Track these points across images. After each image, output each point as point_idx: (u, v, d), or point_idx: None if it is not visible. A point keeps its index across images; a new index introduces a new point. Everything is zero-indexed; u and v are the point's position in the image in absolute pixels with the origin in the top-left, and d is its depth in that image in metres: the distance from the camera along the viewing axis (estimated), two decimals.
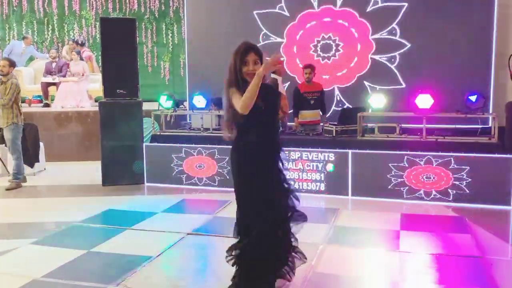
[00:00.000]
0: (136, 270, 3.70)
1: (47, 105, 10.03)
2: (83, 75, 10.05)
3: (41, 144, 7.78)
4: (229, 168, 6.39)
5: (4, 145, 7.16)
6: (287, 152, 5.86)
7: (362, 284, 3.54)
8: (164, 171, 6.72)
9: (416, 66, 7.29)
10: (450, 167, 5.60)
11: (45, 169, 7.85)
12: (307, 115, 6.93)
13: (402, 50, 7.37)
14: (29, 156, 7.49)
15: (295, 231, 3.36)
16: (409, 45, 7.33)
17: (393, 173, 5.79)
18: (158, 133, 7.23)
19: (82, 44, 11.24)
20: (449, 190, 5.63)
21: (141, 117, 6.97)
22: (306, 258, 3.45)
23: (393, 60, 7.45)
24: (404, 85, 7.39)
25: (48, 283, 3.52)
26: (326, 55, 7.76)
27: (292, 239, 3.37)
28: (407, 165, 5.75)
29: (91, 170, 7.44)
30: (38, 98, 10.66)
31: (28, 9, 11.94)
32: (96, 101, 9.77)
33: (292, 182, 3.35)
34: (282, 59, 3.19)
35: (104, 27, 6.85)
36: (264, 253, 3.10)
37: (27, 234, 4.66)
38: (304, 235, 3.68)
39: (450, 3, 7.10)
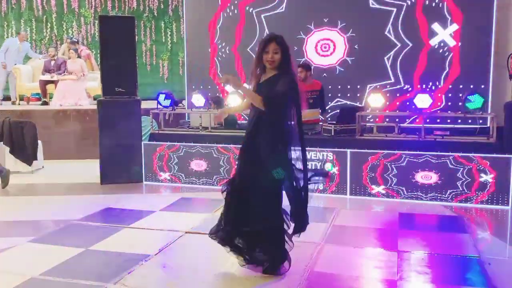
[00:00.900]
0: (134, 268, 3.69)
1: (45, 103, 10.02)
2: (83, 75, 10.04)
3: (39, 142, 7.76)
4: (228, 167, 6.40)
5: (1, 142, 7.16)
6: None
7: (360, 284, 3.54)
8: (162, 169, 6.71)
9: (415, 66, 7.29)
10: (449, 166, 5.61)
11: (43, 167, 7.84)
12: (305, 114, 6.90)
13: (400, 49, 7.37)
14: (27, 154, 7.48)
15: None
16: (410, 45, 7.33)
17: (391, 172, 5.80)
18: (157, 132, 7.22)
19: (74, 43, 11.16)
20: (448, 190, 5.64)
21: (140, 116, 6.96)
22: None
23: (391, 59, 7.44)
24: (402, 85, 7.39)
25: (46, 281, 3.51)
26: (325, 53, 7.76)
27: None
28: (405, 165, 5.75)
29: (89, 169, 7.43)
30: (37, 96, 10.64)
31: (27, 7, 11.93)
32: (94, 99, 9.78)
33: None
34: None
35: (103, 25, 6.83)
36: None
37: (25, 232, 4.64)
38: (303, 234, 3.69)
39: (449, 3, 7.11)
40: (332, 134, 6.44)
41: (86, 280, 3.49)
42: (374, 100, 6.47)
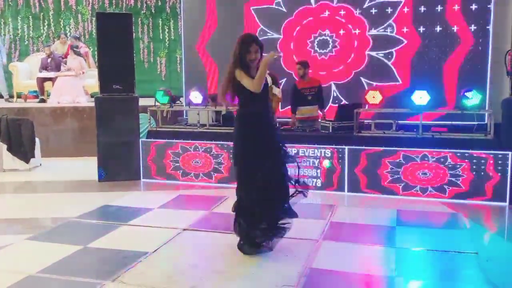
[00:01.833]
0: (132, 265, 3.69)
1: (43, 101, 9.99)
2: (82, 73, 10.00)
3: (37, 139, 7.75)
4: (225, 164, 6.40)
5: None
6: None
7: (358, 280, 3.54)
8: (160, 167, 6.71)
9: (412, 63, 7.30)
10: (446, 163, 5.61)
11: (40, 164, 7.82)
12: (304, 111, 6.93)
13: (398, 47, 7.37)
14: (25, 152, 7.47)
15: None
16: (405, 42, 7.33)
17: (389, 169, 5.80)
18: (155, 129, 7.21)
19: (77, 38, 11.11)
20: (445, 187, 5.65)
21: (137, 113, 6.95)
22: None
23: (390, 56, 7.45)
24: (400, 82, 7.39)
25: (43, 279, 3.51)
26: (323, 51, 7.75)
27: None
28: (403, 162, 5.76)
29: (87, 166, 7.42)
30: (34, 94, 10.61)
31: (24, 4, 11.87)
32: (92, 96, 9.74)
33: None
34: (280, 54, 3.90)
35: (100, 22, 6.80)
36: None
37: (22, 229, 4.64)
38: (301, 231, 3.70)
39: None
40: (330, 131, 6.44)
41: (84, 278, 3.49)
42: (372, 97, 6.49)
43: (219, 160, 6.45)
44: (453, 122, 6.43)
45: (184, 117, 7.91)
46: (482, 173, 5.52)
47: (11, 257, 3.96)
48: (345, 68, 7.71)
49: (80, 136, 8.68)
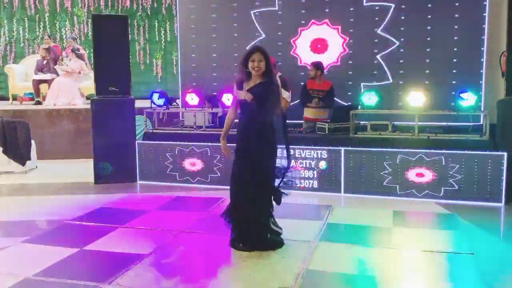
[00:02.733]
0: (128, 268, 3.68)
1: (38, 103, 9.96)
2: (79, 72, 9.99)
3: (33, 141, 7.72)
4: (221, 165, 6.40)
5: None
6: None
7: (354, 281, 3.54)
8: (156, 169, 6.70)
9: (408, 64, 7.32)
10: (442, 164, 5.63)
11: (36, 167, 7.80)
12: (310, 111, 6.97)
13: (394, 48, 7.39)
14: (21, 154, 7.45)
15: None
16: (401, 43, 7.34)
17: (385, 171, 5.82)
18: (151, 131, 7.21)
19: (74, 39, 11.08)
20: (441, 187, 5.66)
21: (134, 115, 6.94)
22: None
23: (386, 57, 7.46)
24: (396, 83, 7.41)
25: (39, 282, 3.49)
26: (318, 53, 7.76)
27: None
28: (399, 163, 5.77)
29: (83, 168, 7.40)
30: (30, 96, 10.58)
31: (19, 6, 11.85)
32: (88, 98, 9.73)
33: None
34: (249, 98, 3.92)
35: (96, 24, 6.80)
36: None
37: (18, 232, 4.62)
38: (297, 232, 3.70)
39: (441, 1, 7.14)
40: (326, 132, 6.45)
41: (80, 280, 3.47)
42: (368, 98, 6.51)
43: (216, 162, 6.45)
44: (449, 123, 6.45)
45: (181, 119, 7.90)
46: (478, 174, 5.53)
47: (7, 260, 3.95)
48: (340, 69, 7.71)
49: (76, 138, 8.67)
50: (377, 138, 6.26)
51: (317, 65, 7.00)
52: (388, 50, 7.40)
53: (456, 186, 5.61)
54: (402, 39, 7.34)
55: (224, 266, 3.78)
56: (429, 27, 7.19)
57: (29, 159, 7.58)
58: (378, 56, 7.46)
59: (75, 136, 8.69)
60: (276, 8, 7.84)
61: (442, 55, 7.15)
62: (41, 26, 11.89)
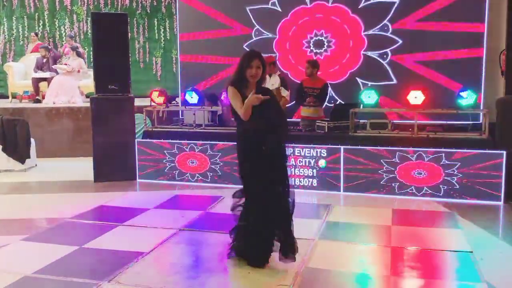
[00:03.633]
0: (128, 266, 3.69)
1: (38, 101, 9.96)
2: (79, 71, 9.98)
3: (32, 140, 7.73)
4: (221, 164, 6.41)
5: None
6: None
7: (354, 279, 3.56)
8: (156, 167, 6.71)
9: (407, 63, 7.32)
10: (441, 163, 5.64)
11: (36, 165, 7.80)
12: (305, 110, 6.97)
13: (393, 47, 7.39)
14: (20, 152, 7.45)
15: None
16: (400, 42, 7.35)
17: (384, 169, 5.82)
18: (150, 129, 7.21)
19: (72, 37, 11.07)
20: (440, 186, 5.67)
21: (133, 113, 6.94)
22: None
23: (384, 56, 7.47)
24: (395, 81, 7.41)
25: (39, 280, 3.50)
26: (318, 51, 7.76)
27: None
28: (398, 161, 5.78)
29: (82, 166, 7.40)
30: (29, 94, 10.56)
31: (18, 4, 11.83)
32: (87, 97, 9.72)
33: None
34: (266, 97, 3.57)
35: (96, 23, 6.79)
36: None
37: (18, 230, 4.62)
38: (297, 230, 3.70)
39: None
40: (326, 131, 6.46)
41: (80, 278, 3.48)
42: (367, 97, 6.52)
43: (215, 160, 6.45)
44: (448, 122, 6.45)
45: (180, 117, 7.90)
46: (477, 172, 5.54)
47: (7, 258, 3.95)
48: (340, 68, 7.71)
49: (76, 137, 8.67)
50: (377, 137, 6.26)
51: (314, 63, 6.98)
52: (389, 49, 7.40)
53: (455, 184, 5.62)
54: (402, 38, 7.34)
55: (224, 264, 3.79)
56: (428, 26, 7.19)
57: (29, 157, 7.59)
58: (378, 55, 7.46)
59: (75, 134, 8.69)
60: (276, 7, 7.85)
61: (442, 53, 7.15)
62: (40, 24, 11.88)
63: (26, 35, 11.88)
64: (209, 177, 6.52)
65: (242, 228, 3.78)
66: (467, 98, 6.18)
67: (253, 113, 3.56)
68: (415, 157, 5.73)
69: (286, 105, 6.98)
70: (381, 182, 5.85)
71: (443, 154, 5.64)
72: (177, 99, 8.26)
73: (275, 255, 3.66)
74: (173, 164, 6.65)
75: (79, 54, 10.21)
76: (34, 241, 4.33)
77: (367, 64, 7.51)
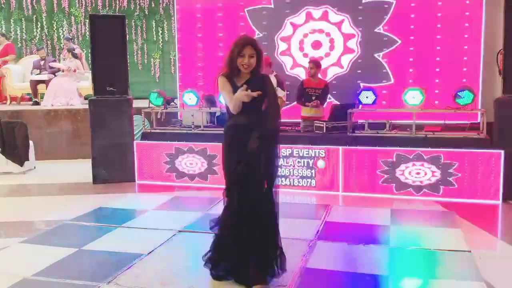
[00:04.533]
0: (127, 267, 3.69)
1: (36, 103, 9.96)
2: (75, 70, 9.99)
3: (31, 142, 7.72)
4: (220, 165, 6.40)
5: None
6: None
7: (352, 280, 3.56)
8: (155, 168, 6.71)
9: (405, 62, 7.33)
10: (440, 162, 5.65)
11: (35, 167, 7.80)
12: (307, 110, 6.97)
13: (392, 47, 7.40)
14: (19, 155, 7.45)
15: None
16: (399, 42, 7.35)
17: (383, 169, 5.83)
18: (149, 131, 7.21)
19: (69, 39, 11.09)
20: (439, 185, 5.68)
21: (132, 115, 6.95)
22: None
23: (383, 56, 7.47)
24: (393, 81, 7.42)
25: (38, 282, 3.50)
26: (316, 51, 7.76)
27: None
28: (396, 161, 5.78)
29: (81, 168, 7.40)
30: (27, 96, 10.57)
31: (16, 6, 11.83)
32: (86, 98, 9.72)
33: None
34: (254, 95, 3.15)
35: (94, 25, 6.80)
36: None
37: (17, 232, 4.63)
38: (295, 230, 3.71)
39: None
40: (324, 131, 6.46)
41: (79, 280, 3.49)
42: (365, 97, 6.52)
43: (214, 162, 6.45)
44: (446, 122, 6.46)
45: (179, 118, 7.90)
46: (475, 172, 5.55)
47: (6, 260, 3.96)
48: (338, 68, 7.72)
49: (74, 139, 8.67)
50: (375, 137, 6.27)
51: (318, 63, 6.98)
52: (388, 49, 7.41)
53: (453, 184, 5.63)
54: (401, 38, 7.34)
55: None
56: (426, 26, 7.20)
57: (27, 159, 7.58)
58: (376, 55, 7.47)
59: (73, 136, 8.69)
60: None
61: (440, 53, 7.16)
62: (38, 26, 11.88)
63: (24, 38, 11.88)
64: (208, 178, 6.51)
65: (216, 236, 3.47)
66: (464, 98, 6.18)
67: (245, 105, 3.19)
68: (413, 157, 5.73)
69: (283, 107, 6.99)
70: (380, 182, 5.85)
71: (441, 154, 5.65)
72: (175, 100, 8.26)
73: None
74: (171, 166, 6.65)
75: (75, 56, 10.21)
76: (33, 243, 4.33)
77: (365, 64, 7.52)
